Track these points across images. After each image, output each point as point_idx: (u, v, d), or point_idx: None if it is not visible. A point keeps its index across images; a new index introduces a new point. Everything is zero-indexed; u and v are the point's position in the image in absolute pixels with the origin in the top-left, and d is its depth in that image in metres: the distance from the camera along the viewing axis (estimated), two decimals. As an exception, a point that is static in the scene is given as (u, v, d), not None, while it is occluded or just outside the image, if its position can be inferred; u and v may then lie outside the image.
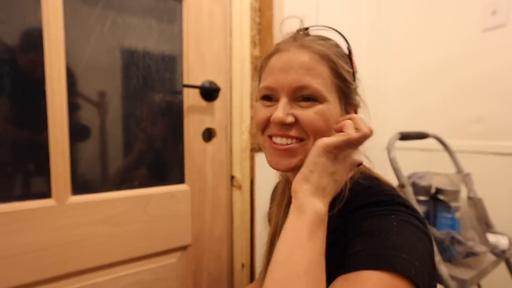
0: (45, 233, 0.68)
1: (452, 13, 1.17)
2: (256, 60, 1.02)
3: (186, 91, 0.87)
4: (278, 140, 0.46)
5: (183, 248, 0.89)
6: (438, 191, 0.85)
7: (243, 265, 1.00)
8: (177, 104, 0.88)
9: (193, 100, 0.88)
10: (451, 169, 1.00)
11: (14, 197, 0.67)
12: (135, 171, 0.84)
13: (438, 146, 1.02)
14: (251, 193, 1.00)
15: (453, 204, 0.82)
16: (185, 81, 0.86)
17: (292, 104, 0.45)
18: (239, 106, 0.97)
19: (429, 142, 1.04)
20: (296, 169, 0.46)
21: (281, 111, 0.44)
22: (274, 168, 0.48)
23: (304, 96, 0.44)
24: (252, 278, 1.03)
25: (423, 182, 0.88)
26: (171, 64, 0.88)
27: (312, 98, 0.44)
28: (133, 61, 0.81)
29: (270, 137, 0.47)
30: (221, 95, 0.92)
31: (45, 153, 0.69)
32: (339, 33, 0.50)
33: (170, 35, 0.86)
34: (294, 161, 0.45)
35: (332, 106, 0.45)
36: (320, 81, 0.44)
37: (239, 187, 0.98)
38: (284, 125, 0.45)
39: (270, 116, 0.45)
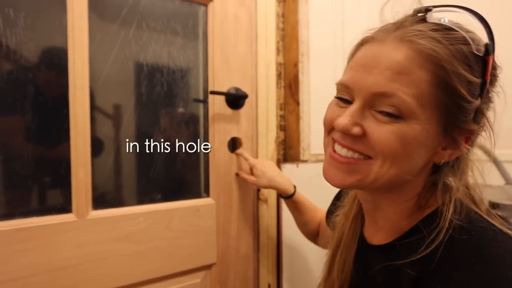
0: (63, 251, 0.63)
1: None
2: (280, 67, 0.98)
3: (211, 98, 0.82)
4: (338, 148, 0.38)
5: (208, 267, 0.82)
6: (494, 206, 0.76)
7: (269, 286, 0.93)
8: (202, 112, 0.84)
9: (219, 108, 0.83)
10: (492, 180, 0.91)
11: (32, 212, 0.62)
12: (158, 184, 0.79)
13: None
14: (278, 208, 0.94)
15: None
16: (210, 88, 0.82)
17: (366, 112, 0.36)
18: (265, 115, 0.92)
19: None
20: (352, 188, 0.39)
21: (348, 117, 0.35)
22: (326, 180, 0.40)
23: (383, 107, 0.34)
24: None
25: (471, 195, 0.80)
26: (195, 71, 0.84)
27: (393, 113, 0.34)
28: (157, 69, 0.77)
29: (334, 141, 0.39)
30: (247, 103, 0.87)
31: (66, 165, 0.64)
32: (480, 17, 0.35)
33: (194, 40, 0.83)
34: (350, 179, 0.37)
35: (421, 126, 0.34)
36: (412, 90, 0.33)
37: (265, 201, 0.91)
38: (348, 135, 0.36)
39: (338, 114, 0.37)
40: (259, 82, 0.90)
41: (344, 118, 0.35)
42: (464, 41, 0.34)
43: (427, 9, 0.36)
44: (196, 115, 0.85)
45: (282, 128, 0.97)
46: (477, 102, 0.34)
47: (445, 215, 0.36)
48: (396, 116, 0.34)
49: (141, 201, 0.76)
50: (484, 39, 0.35)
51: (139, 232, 0.71)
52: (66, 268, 0.63)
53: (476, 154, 0.41)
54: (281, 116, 0.97)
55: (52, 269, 0.61)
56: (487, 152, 0.93)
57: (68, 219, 0.64)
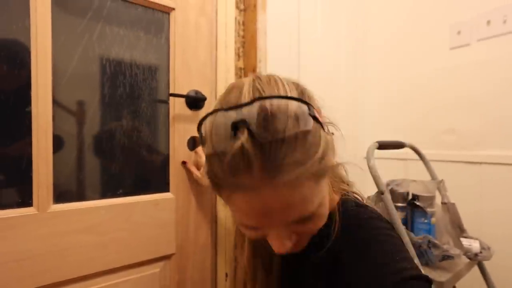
0: (24, 242, 0.66)
1: (423, 34, 1.26)
2: (241, 71, 1.06)
3: (172, 100, 0.88)
4: None
5: (167, 257, 0.88)
6: (415, 197, 0.89)
7: (226, 275, 1.00)
8: (163, 113, 0.89)
9: (179, 109, 0.90)
10: (425, 177, 1.05)
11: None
12: (120, 179, 0.83)
13: (413, 155, 1.08)
14: (236, 202, 1.01)
15: (428, 209, 0.86)
16: (171, 90, 0.88)
17: (288, 225, 0.38)
18: (224, 116, 0.99)
19: (405, 152, 1.10)
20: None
21: (284, 244, 0.38)
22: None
23: (300, 221, 0.37)
24: (235, 287, 1.02)
25: (401, 189, 0.92)
26: (157, 73, 0.89)
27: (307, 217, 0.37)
28: (120, 71, 0.82)
29: None
30: (206, 104, 0.94)
31: (27, 161, 0.68)
32: (298, 99, 0.35)
33: (157, 45, 0.88)
34: (303, 245, 0.42)
35: (325, 192, 0.39)
36: (316, 199, 0.36)
37: (224, 196, 0.98)
38: None
39: (262, 237, 0.39)
40: (218, 85, 0.97)
41: (282, 247, 0.38)
42: (307, 133, 0.34)
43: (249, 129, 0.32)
44: (157, 115, 0.91)
45: (241, 128, 1.05)
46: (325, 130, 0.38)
47: (338, 214, 0.44)
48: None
49: (103, 195, 0.80)
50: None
51: (101, 224, 0.76)
52: (27, 259, 0.66)
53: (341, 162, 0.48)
54: (240, 117, 1.05)
55: (12, 260, 0.65)
56: (417, 152, 1.06)
57: (29, 212, 0.67)
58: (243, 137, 0.32)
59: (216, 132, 0.34)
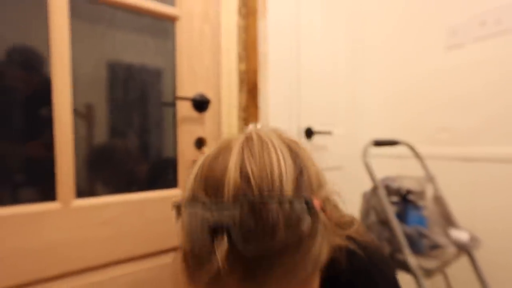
0: (50, 234, 0.74)
1: (419, 35, 1.30)
2: (243, 74, 1.12)
3: (179, 103, 0.95)
4: None
5: (177, 249, 0.95)
6: (408, 192, 0.94)
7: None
8: (171, 115, 0.96)
9: (186, 111, 0.96)
10: (421, 174, 1.10)
11: (22, 200, 0.72)
12: (134, 177, 0.91)
13: (409, 153, 1.13)
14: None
15: (420, 203, 0.91)
16: (178, 94, 0.94)
17: None
18: (227, 117, 1.05)
19: (401, 150, 1.15)
20: None
21: None
22: None
23: None
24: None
25: (395, 185, 0.98)
26: (165, 78, 0.96)
27: None
28: (131, 75, 0.89)
29: None
30: (211, 106, 1.01)
31: (51, 160, 0.75)
32: (296, 195, 0.30)
33: (164, 52, 0.95)
34: None
35: (317, 277, 0.32)
36: None
37: (229, 192, 1.05)
38: None
39: None
40: (222, 88, 1.03)
41: None
42: (292, 245, 0.28)
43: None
44: (166, 116, 0.97)
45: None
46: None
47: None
48: None
49: (119, 191, 0.87)
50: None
51: (117, 217, 0.83)
52: (52, 249, 0.74)
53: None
54: (244, 118, 1.11)
55: (39, 250, 0.72)
56: (412, 149, 1.11)
57: (54, 206, 0.75)
58: (221, 249, 0.27)
59: (192, 229, 0.29)
